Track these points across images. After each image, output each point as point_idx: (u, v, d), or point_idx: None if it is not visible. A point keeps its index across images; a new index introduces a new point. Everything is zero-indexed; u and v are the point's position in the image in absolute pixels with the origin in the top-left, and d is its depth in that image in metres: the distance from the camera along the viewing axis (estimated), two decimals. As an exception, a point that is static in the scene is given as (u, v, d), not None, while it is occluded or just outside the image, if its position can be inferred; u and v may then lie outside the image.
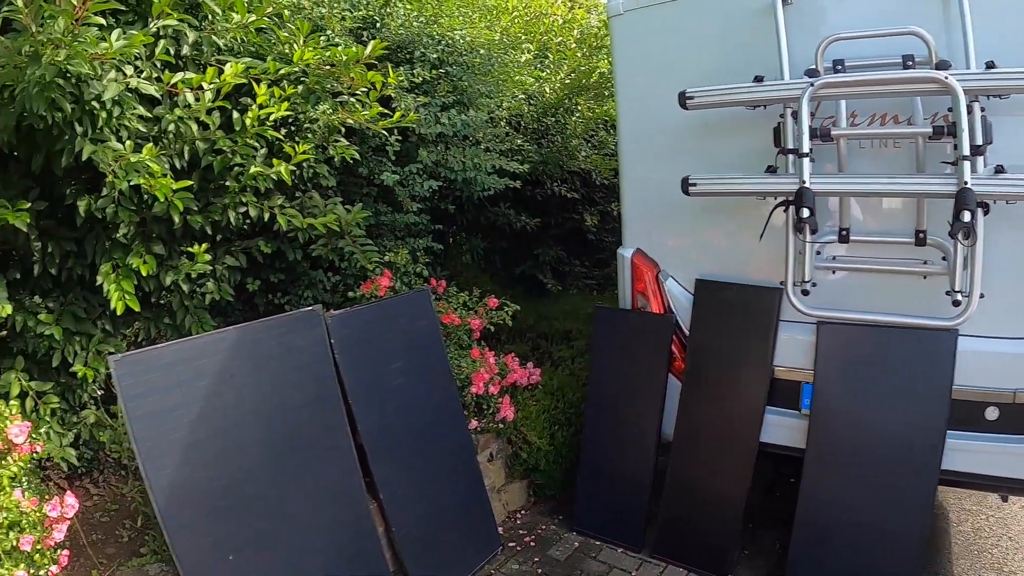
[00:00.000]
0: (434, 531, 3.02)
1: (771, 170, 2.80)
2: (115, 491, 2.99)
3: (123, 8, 2.43)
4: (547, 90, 4.48)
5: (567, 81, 4.42)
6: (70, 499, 2.15)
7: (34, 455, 2.28)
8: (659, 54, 3.13)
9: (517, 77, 4.04)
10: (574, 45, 4.74)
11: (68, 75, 2.07)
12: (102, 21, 2.16)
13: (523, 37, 4.47)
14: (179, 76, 2.50)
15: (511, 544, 3.38)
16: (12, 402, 2.41)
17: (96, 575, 2.43)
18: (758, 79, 2.75)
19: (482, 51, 3.59)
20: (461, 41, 3.50)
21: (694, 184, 2.83)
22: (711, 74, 2.87)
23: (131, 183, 2.35)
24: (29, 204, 2.35)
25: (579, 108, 4.61)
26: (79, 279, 2.85)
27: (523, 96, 4.19)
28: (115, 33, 2.20)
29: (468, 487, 3.23)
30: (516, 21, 4.71)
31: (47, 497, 2.16)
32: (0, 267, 2.69)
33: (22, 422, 2.18)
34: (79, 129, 2.32)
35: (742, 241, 3.00)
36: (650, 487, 3.28)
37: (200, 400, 2.36)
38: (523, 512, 3.69)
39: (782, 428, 2.95)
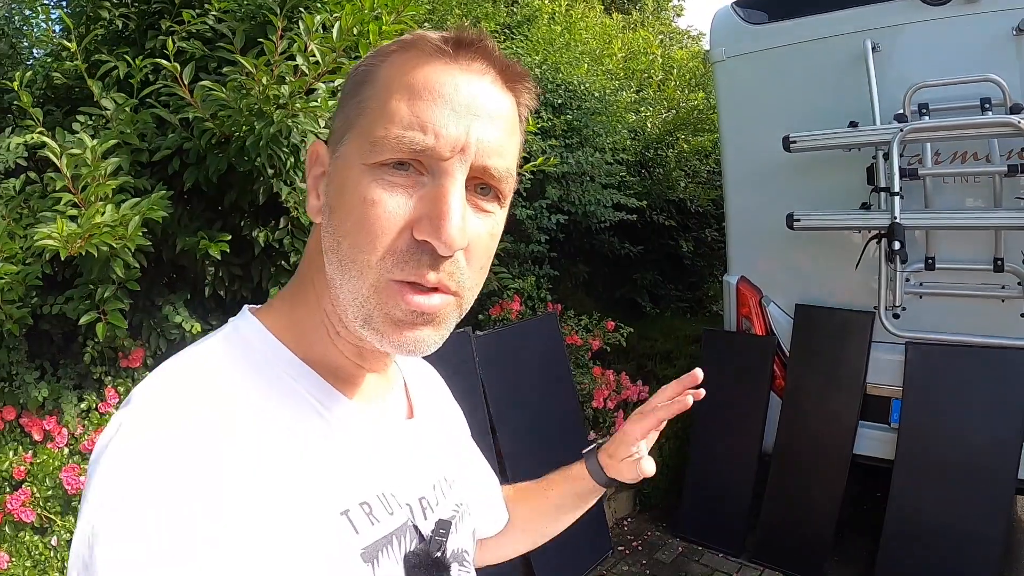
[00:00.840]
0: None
1: (865, 206, 3.40)
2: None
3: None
4: (648, 125, 5.21)
5: (668, 117, 5.15)
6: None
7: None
8: (759, 97, 3.77)
9: (622, 115, 4.78)
10: (673, 84, 5.48)
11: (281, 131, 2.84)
12: (323, 87, 2.89)
13: (622, 75, 5.21)
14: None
15: (620, 548, 4.03)
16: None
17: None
18: (853, 124, 3.38)
19: (596, 94, 4.36)
20: (580, 87, 4.26)
21: (798, 219, 3.44)
22: (806, 116, 3.49)
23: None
24: (229, 236, 3.15)
25: (678, 142, 5.33)
26: (242, 300, 3.64)
27: (627, 131, 4.93)
28: (327, 94, 2.92)
29: (585, 493, 3.89)
30: (617, 62, 5.47)
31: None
32: (172, 287, 3.48)
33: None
34: (270, 172, 3.12)
35: (838, 269, 3.61)
36: (751, 497, 3.85)
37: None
38: (629, 519, 4.33)
39: (873, 441, 3.52)
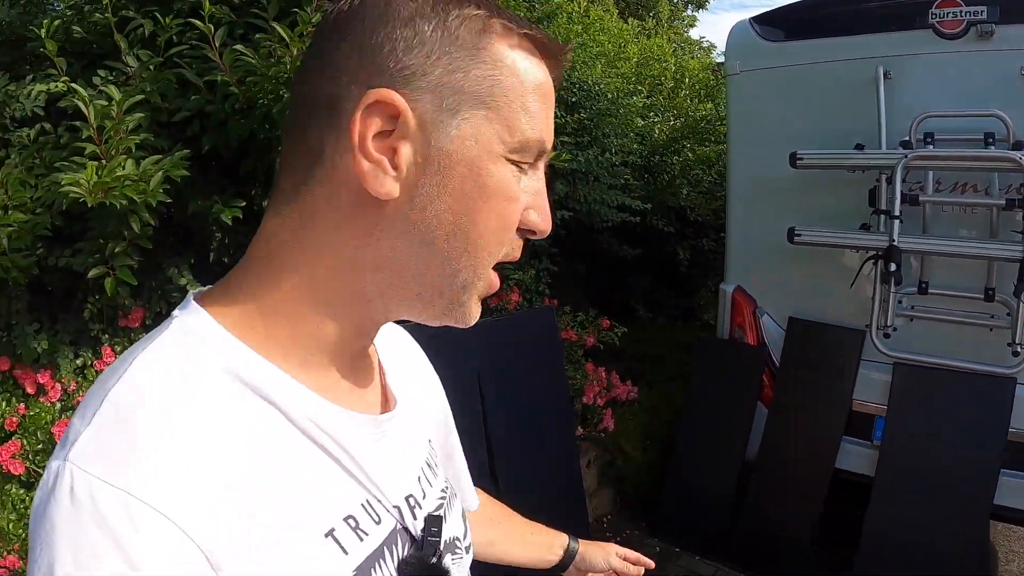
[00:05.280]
0: (538, 522, 3.76)
1: (865, 227, 3.50)
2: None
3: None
4: (656, 131, 5.31)
5: (675, 125, 5.25)
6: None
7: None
8: (769, 112, 3.85)
9: (631, 119, 4.87)
10: (684, 93, 5.59)
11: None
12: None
13: (634, 79, 5.30)
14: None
15: (598, 544, 4.12)
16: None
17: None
18: (859, 147, 3.48)
19: (609, 96, 4.45)
20: (594, 88, 4.35)
21: (799, 234, 3.53)
22: (814, 134, 3.57)
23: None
24: (244, 203, 3.16)
25: (684, 150, 5.45)
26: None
27: (634, 135, 5.02)
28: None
29: (569, 488, 3.93)
30: (631, 66, 5.57)
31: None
32: (178, 250, 3.49)
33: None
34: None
35: (833, 286, 3.69)
36: (731, 503, 3.95)
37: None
38: (609, 517, 4.41)
39: (855, 456, 3.62)
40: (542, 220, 0.69)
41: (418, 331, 3.19)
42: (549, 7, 4.74)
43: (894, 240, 3.26)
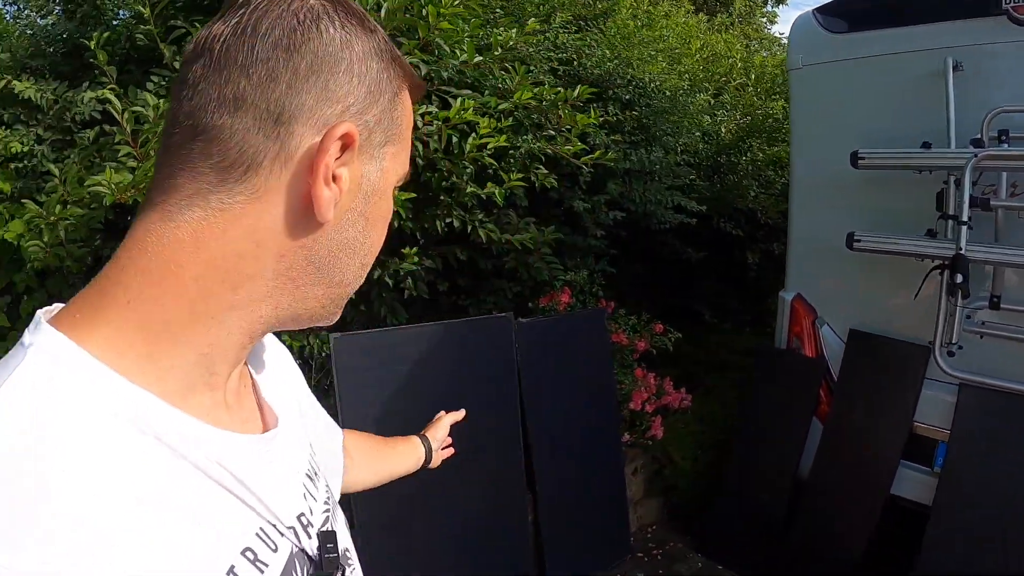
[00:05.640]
0: (575, 528, 3.64)
1: (931, 233, 3.24)
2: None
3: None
4: (723, 130, 5.13)
5: (743, 123, 5.05)
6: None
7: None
8: (832, 109, 3.63)
9: (696, 117, 4.73)
10: (751, 89, 5.37)
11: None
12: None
13: (701, 76, 5.14)
14: (423, 108, 3.08)
15: (639, 554, 3.99)
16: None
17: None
18: (926, 145, 3.23)
19: (667, 93, 4.32)
20: (651, 84, 4.23)
21: (858, 240, 3.31)
22: (879, 133, 3.35)
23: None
24: None
25: (752, 149, 5.24)
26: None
27: (699, 134, 4.87)
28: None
29: (612, 495, 3.86)
30: (697, 62, 5.41)
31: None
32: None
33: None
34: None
35: (898, 298, 3.46)
36: (781, 521, 3.75)
37: (398, 381, 3.04)
38: (654, 527, 4.28)
39: (913, 483, 3.37)
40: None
41: (454, 329, 3.17)
42: (609, 3, 4.65)
43: (961, 248, 2.99)
